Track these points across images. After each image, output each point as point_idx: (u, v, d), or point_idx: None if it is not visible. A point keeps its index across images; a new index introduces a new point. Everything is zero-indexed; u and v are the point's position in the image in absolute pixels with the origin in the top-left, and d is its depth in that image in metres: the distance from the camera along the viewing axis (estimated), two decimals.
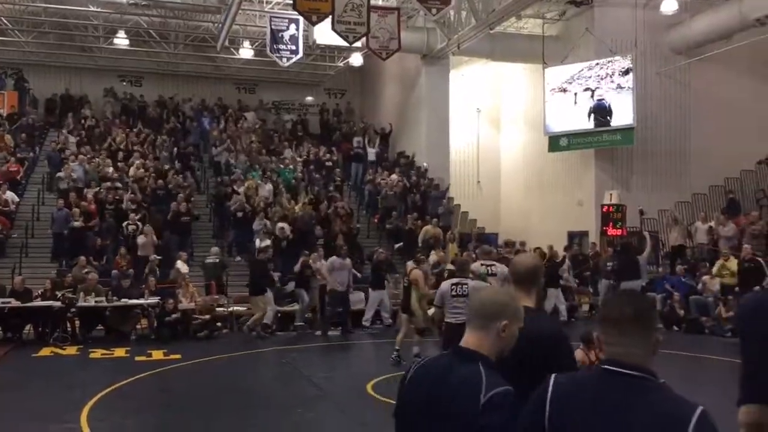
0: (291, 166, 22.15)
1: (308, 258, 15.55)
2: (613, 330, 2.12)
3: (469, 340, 2.41)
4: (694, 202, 20.56)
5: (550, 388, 2.18)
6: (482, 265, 8.76)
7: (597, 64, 20.36)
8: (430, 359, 2.52)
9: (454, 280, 7.72)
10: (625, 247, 15.98)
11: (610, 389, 2.06)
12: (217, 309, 14.70)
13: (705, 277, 14.86)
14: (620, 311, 2.12)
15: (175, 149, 22.45)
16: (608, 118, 20.12)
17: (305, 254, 15.75)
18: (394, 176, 22.07)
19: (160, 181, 19.52)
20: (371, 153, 23.86)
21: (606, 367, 2.11)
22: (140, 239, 16.63)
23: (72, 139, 21.96)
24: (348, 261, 15.08)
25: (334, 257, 14.90)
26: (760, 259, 14.18)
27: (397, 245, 19.18)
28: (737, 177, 20.53)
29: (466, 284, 7.59)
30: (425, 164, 23.20)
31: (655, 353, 2.10)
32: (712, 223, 17.14)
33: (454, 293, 7.53)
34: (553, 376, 2.23)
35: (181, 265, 15.86)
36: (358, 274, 16.28)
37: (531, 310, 2.89)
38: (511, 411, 2.23)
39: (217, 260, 16.58)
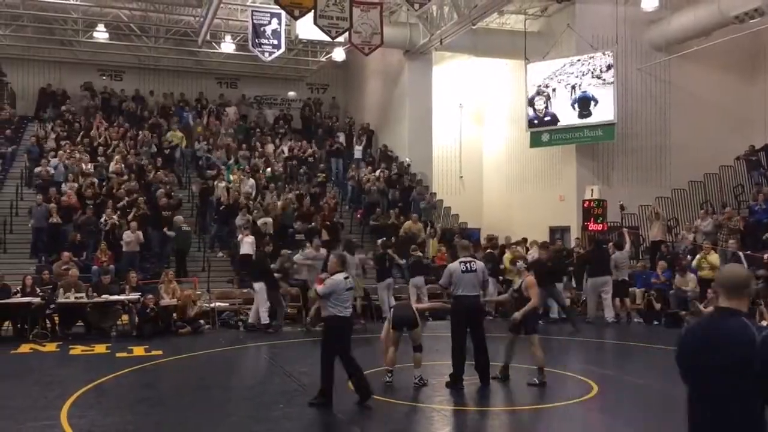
0: (274, 163, 22.09)
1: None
2: None
3: (729, 304, 3.12)
4: (674, 198, 20.77)
5: None
6: (461, 262, 8.73)
7: (578, 60, 20.48)
8: (695, 321, 3.30)
9: (344, 274, 7.84)
10: (595, 242, 16.09)
11: None
12: (198, 304, 14.58)
13: (677, 277, 15.00)
14: None
15: (154, 145, 22.26)
16: (591, 109, 20.24)
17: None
18: (378, 172, 22.14)
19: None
20: (358, 151, 23.85)
21: None
22: (126, 236, 16.48)
23: (52, 134, 21.74)
24: (356, 257, 14.64)
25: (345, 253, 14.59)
26: (746, 253, 14.38)
27: (380, 240, 19.17)
28: (716, 173, 20.76)
29: (349, 277, 7.95)
30: (408, 159, 23.23)
31: None
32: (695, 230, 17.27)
33: (347, 287, 7.72)
34: None
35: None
36: (370, 262, 15.70)
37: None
38: None
39: (187, 228, 17.43)
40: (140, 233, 16.63)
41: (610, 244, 16.40)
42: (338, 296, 7.66)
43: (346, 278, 7.79)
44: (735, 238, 15.42)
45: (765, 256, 13.96)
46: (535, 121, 21.25)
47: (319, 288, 7.89)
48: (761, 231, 16.34)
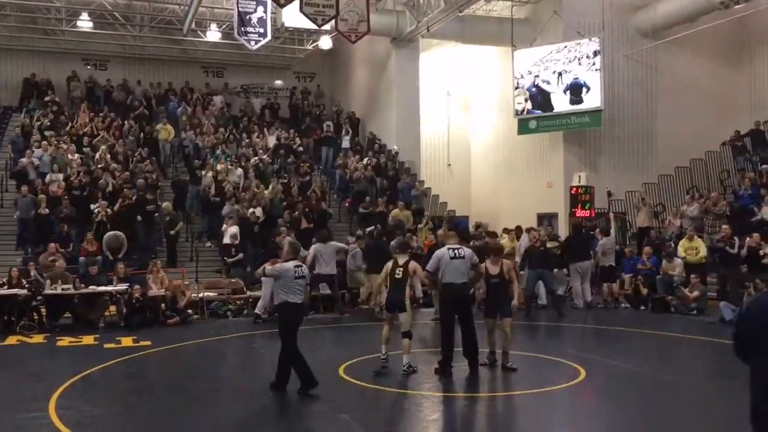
0: (261, 153, 21.98)
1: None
2: None
3: None
4: (661, 184, 20.88)
5: None
6: (449, 248, 8.75)
7: (565, 46, 20.49)
8: (756, 298, 3.29)
9: (295, 263, 7.93)
10: (575, 228, 16.15)
11: None
12: (188, 295, 14.52)
13: (663, 262, 15.09)
14: None
15: (142, 134, 22.10)
16: (582, 96, 20.26)
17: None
18: (365, 160, 22.10)
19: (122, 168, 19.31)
20: (345, 141, 23.77)
21: None
22: (107, 238, 16.30)
23: (36, 124, 21.54)
24: (333, 243, 14.52)
25: (318, 243, 14.27)
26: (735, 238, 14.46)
27: (369, 229, 19.16)
28: (702, 158, 20.89)
29: (303, 266, 8.06)
30: (396, 148, 23.20)
31: None
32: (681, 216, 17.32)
33: (296, 275, 7.76)
34: None
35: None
36: (346, 248, 15.41)
37: None
38: None
39: (172, 210, 17.83)
40: (122, 235, 16.48)
41: (597, 230, 16.48)
42: (287, 283, 7.71)
43: (297, 267, 7.86)
44: (724, 224, 15.47)
45: (746, 239, 14.08)
46: (526, 114, 21.24)
47: (268, 268, 8.09)
48: (747, 216, 16.47)
